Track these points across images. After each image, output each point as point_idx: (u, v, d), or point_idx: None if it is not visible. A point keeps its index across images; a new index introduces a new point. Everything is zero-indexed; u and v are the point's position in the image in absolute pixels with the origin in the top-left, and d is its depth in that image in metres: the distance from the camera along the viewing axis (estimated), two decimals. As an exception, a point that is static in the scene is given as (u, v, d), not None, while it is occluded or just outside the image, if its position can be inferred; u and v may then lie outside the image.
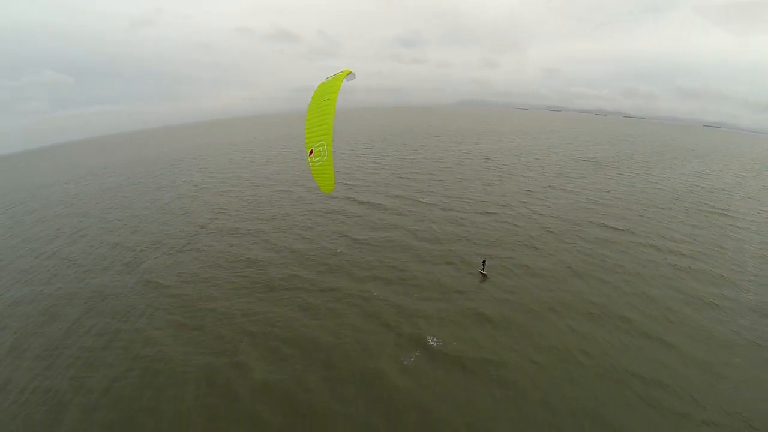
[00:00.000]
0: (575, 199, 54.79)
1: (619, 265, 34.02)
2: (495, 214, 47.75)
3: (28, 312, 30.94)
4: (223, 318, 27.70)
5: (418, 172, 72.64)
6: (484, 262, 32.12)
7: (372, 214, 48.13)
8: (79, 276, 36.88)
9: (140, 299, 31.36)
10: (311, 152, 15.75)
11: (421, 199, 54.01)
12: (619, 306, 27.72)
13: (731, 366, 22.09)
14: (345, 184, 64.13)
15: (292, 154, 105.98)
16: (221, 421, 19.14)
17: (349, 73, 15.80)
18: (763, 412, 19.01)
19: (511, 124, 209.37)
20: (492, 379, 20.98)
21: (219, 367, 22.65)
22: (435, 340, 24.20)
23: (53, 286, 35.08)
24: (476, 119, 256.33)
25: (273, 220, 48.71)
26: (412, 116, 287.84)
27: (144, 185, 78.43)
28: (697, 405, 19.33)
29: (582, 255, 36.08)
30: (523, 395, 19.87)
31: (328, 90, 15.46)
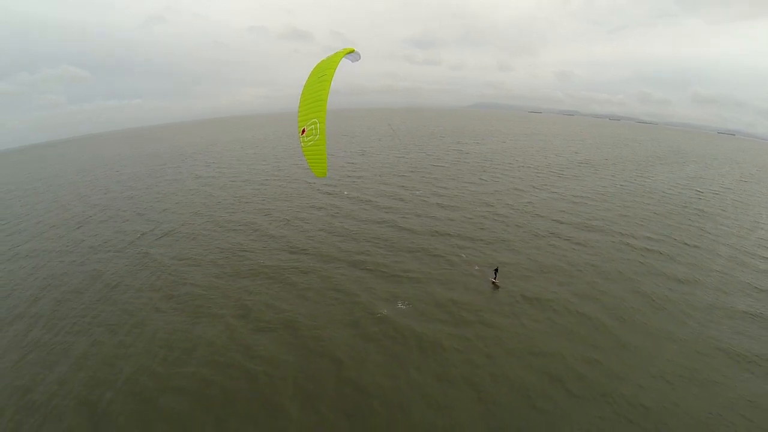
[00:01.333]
0: (559, 198, 56.55)
1: (577, 257, 36.09)
2: (473, 209, 50.02)
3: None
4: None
5: (416, 170, 74.95)
6: (496, 270, 30.34)
7: (363, 207, 50.86)
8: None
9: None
10: (303, 131, 14.83)
11: (414, 194, 56.63)
12: (568, 292, 29.67)
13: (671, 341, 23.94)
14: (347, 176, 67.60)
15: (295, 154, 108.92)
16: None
17: (351, 51, 14.93)
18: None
19: (520, 127, 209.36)
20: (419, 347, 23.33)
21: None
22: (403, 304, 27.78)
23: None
24: (487, 122, 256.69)
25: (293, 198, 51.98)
26: (424, 118, 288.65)
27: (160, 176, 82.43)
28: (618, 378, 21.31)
29: (545, 246, 38.41)
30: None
31: (324, 68, 14.61)
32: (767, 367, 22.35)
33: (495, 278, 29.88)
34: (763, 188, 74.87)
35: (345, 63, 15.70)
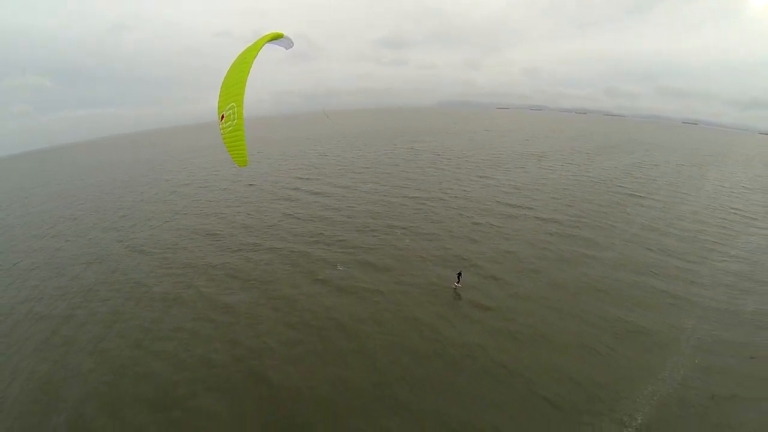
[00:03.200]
0: (497, 185, 59.17)
1: (499, 230, 39.53)
2: (415, 198, 52.36)
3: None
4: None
5: (369, 167, 76.54)
6: (459, 274, 29.00)
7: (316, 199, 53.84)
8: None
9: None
10: (222, 117, 13.98)
11: (361, 188, 58.99)
12: (475, 252, 31.70)
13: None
14: (297, 178, 68.86)
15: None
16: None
17: (279, 36, 14.20)
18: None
19: (482, 123, 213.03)
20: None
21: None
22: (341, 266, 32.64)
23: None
24: (451, 119, 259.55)
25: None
26: (389, 117, 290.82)
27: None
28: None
29: (469, 223, 41.92)
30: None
31: (245, 53, 13.99)
32: (612, 294, 26.45)
33: (458, 282, 28.58)
34: (700, 171, 79.19)
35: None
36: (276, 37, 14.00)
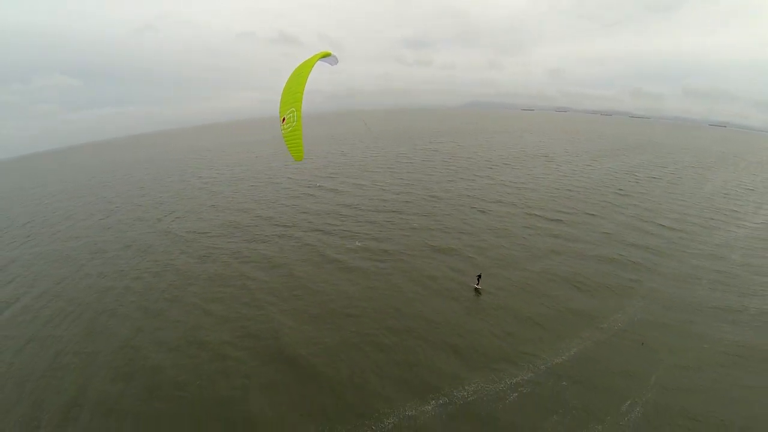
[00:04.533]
0: (498, 183, 65.24)
1: (488, 221, 45.04)
2: (412, 193, 59.42)
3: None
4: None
5: (385, 167, 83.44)
6: (479, 276, 30.66)
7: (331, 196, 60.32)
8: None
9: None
10: (283, 120, 16.57)
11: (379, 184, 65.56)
12: (463, 243, 38.27)
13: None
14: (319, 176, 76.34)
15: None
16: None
17: (328, 54, 17.05)
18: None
19: (503, 125, 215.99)
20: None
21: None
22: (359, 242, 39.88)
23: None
24: (472, 121, 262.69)
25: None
26: (411, 118, 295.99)
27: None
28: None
29: (461, 215, 48.22)
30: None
31: (302, 67, 16.85)
32: (589, 285, 30.90)
33: (478, 283, 30.30)
34: (706, 173, 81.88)
35: (331, 68, 18.26)
36: (325, 55, 17.05)
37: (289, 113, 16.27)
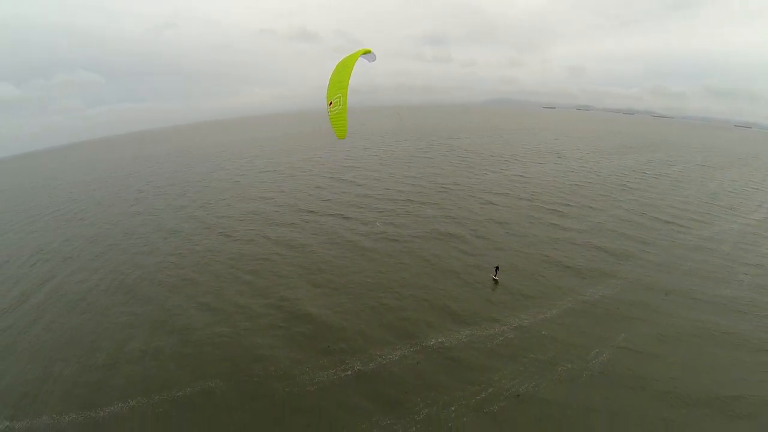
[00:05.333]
0: (507, 175, 69.26)
1: (496, 206, 49.10)
2: (441, 184, 63.47)
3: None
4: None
5: (403, 161, 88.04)
6: (497, 268, 32.75)
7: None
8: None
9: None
10: (331, 104, 19.00)
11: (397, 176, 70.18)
12: (465, 228, 42.63)
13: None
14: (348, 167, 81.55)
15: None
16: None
17: (368, 51, 19.12)
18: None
19: (520, 122, 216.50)
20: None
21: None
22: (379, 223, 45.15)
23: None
24: (491, 117, 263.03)
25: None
26: (430, 115, 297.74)
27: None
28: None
29: (468, 205, 52.18)
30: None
31: (346, 60, 19.39)
32: (577, 267, 34.69)
33: (495, 275, 32.49)
34: (715, 171, 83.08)
35: (363, 63, 20.30)
36: (366, 53, 19.52)
37: (336, 98, 18.89)
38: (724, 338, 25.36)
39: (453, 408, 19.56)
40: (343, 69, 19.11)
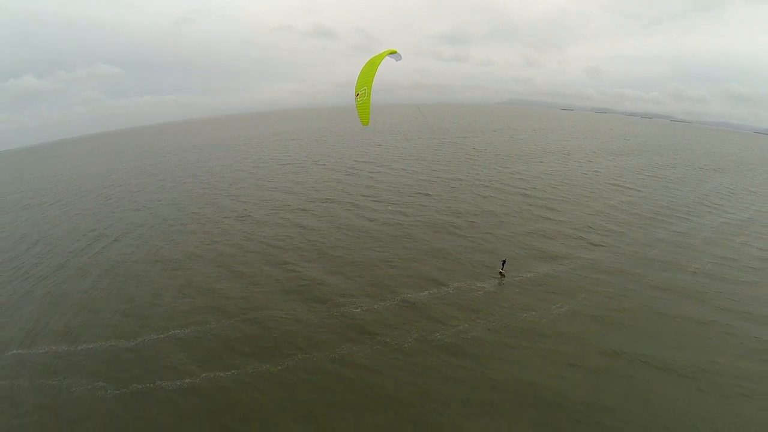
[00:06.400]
0: (509, 172, 74.91)
1: (492, 198, 55.10)
2: (446, 178, 69.45)
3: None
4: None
5: (414, 157, 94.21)
6: (504, 262, 34.19)
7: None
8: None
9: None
10: (357, 95, 21.85)
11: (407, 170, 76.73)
12: (451, 212, 48.68)
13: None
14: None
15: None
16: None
17: (394, 52, 21.45)
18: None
19: (534, 123, 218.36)
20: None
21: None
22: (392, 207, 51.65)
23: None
24: (505, 118, 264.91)
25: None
26: (445, 114, 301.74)
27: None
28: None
29: (467, 196, 57.78)
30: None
31: (374, 59, 22.23)
32: (556, 242, 40.15)
33: (502, 269, 33.97)
34: (713, 174, 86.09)
35: (388, 61, 23.13)
36: (392, 53, 22.22)
37: (363, 90, 22.15)
38: (666, 312, 29.94)
39: (410, 339, 25.97)
40: (371, 66, 22.19)
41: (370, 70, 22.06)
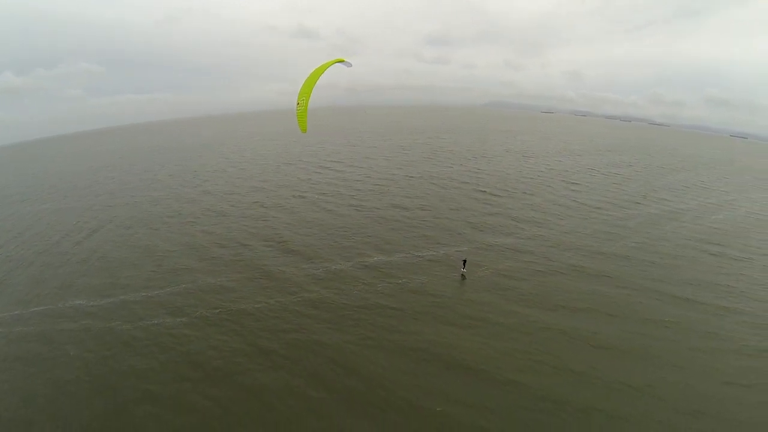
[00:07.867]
0: (466, 169, 79.08)
1: (443, 190, 59.22)
2: (408, 176, 73.03)
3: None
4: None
5: (383, 156, 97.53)
6: (464, 261, 33.73)
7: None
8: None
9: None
10: (298, 104, 22.98)
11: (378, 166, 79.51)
12: (416, 205, 52.25)
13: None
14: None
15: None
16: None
17: (341, 61, 22.27)
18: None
19: (512, 125, 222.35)
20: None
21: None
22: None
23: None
24: (482, 120, 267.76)
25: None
26: (425, 116, 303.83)
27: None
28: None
29: (424, 187, 61.96)
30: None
31: (318, 69, 22.71)
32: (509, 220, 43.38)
33: (464, 267, 33.51)
34: (673, 174, 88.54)
35: (348, 65, 24.32)
36: (339, 61, 23.00)
37: (302, 100, 23.54)
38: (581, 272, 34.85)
39: (356, 290, 30.65)
40: (313, 77, 23.12)
41: (312, 80, 23.18)
